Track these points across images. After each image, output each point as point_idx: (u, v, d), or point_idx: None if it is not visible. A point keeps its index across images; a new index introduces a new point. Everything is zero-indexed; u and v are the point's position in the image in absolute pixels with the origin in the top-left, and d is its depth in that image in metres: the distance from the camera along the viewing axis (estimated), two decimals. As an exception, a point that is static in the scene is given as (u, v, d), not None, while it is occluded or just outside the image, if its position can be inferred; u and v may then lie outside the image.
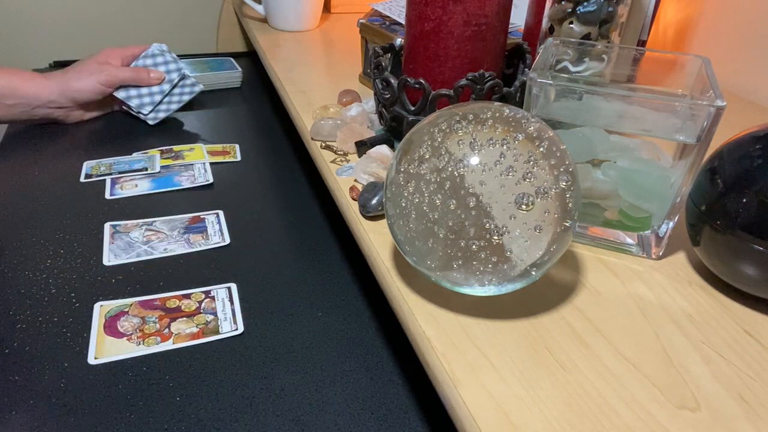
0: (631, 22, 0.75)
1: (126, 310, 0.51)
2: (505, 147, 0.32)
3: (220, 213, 0.66)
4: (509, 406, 0.31)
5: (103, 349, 0.47)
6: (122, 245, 0.59)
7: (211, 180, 0.72)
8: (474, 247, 0.32)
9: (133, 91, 0.84)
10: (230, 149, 0.81)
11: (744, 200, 0.36)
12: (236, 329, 0.50)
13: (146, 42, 0.88)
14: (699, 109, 0.37)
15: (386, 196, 0.37)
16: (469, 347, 0.35)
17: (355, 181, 0.52)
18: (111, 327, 0.49)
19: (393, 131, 0.56)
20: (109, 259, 0.57)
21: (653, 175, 0.41)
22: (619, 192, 0.42)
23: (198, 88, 0.87)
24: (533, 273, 0.34)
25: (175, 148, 0.79)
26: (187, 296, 0.53)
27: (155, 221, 0.64)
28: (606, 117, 0.41)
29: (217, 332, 0.49)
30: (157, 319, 0.50)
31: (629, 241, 0.44)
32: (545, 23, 0.63)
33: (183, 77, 0.86)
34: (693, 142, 0.38)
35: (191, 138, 0.84)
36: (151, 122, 0.85)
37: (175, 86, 0.86)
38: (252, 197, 0.70)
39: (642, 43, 0.76)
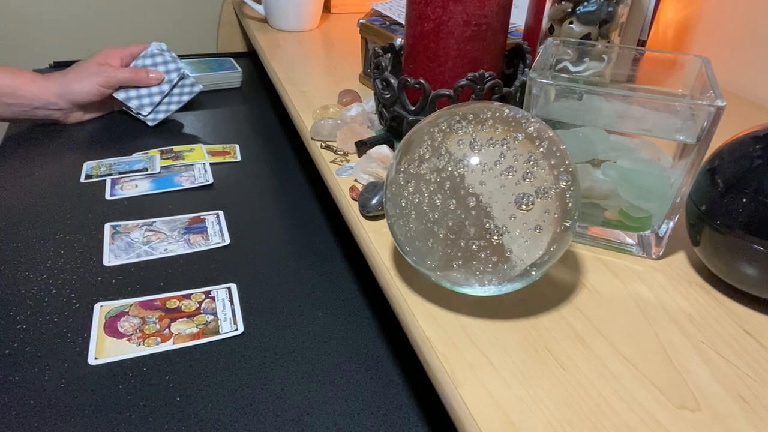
0: (631, 22, 0.75)
1: (126, 310, 0.51)
2: (505, 147, 0.32)
3: (220, 213, 0.66)
4: (509, 406, 0.31)
5: (104, 350, 0.47)
6: (122, 246, 0.59)
7: (211, 180, 0.72)
8: (474, 247, 0.32)
9: (132, 92, 0.84)
10: (230, 149, 0.81)
11: (744, 200, 0.36)
12: (236, 329, 0.50)
13: (146, 42, 0.88)
14: (699, 109, 0.37)
15: (386, 196, 0.37)
16: (469, 347, 0.35)
17: (355, 181, 0.52)
18: (111, 327, 0.49)
19: (393, 131, 0.56)
20: (109, 259, 0.57)
21: (653, 175, 0.41)
22: (619, 192, 0.42)
23: (197, 88, 0.87)
24: (533, 273, 0.34)
25: (175, 148, 0.79)
26: (187, 296, 0.53)
27: (155, 222, 0.64)
28: (606, 117, 0.41)
29: (217, 332, 0.49)
30: (157, 320, 0.50)
31: (629, 241, 0.44)
32: (545, 23, 0.63)
33: (182, 77, 0.86)
34: (693, 142, 0.38)
35: (191, 138, 0.84)
36: (150, 123, 0.85)
37: (174, 86, 0.85)
38: (252, 197, 0.70)
39: (642, 43, 0.76)
